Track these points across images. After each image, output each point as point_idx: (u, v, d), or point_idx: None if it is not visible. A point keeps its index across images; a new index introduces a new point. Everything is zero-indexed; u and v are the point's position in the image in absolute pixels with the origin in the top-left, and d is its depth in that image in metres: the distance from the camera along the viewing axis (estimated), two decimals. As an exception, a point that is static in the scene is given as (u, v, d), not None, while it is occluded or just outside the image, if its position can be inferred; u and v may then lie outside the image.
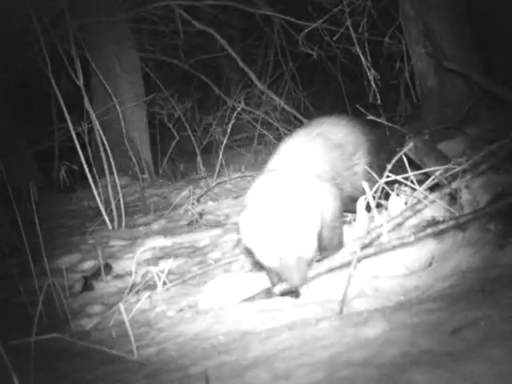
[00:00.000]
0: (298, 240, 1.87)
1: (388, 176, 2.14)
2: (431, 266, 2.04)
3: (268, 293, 2.08)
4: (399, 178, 2.19)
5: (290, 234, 1.86)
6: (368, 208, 2.38)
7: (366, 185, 2.24)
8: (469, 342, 1.23)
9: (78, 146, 4.06)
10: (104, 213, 4.01)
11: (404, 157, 2.29)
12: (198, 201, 4.46)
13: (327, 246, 2.22)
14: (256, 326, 1.79)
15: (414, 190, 2.22)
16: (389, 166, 2.15)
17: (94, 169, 4.23)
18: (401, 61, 4.91)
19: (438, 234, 2.05)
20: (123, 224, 4.05)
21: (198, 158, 5.76)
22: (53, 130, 6.75)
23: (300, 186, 2.05)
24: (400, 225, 2.20)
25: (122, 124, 4.87)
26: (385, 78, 5.08)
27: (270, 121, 6.53)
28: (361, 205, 2.43)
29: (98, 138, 4.12)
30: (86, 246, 3.60)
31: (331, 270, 1.95)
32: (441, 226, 1.84)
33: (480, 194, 2.17)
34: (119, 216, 4.07)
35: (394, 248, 1.89)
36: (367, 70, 4.68)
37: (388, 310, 1.63)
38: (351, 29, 4.65)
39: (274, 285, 2.09)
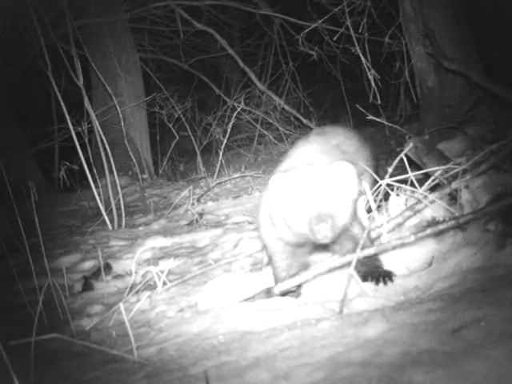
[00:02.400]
0: (333, 201, 1.82)
1: (390, 179, 2.14)
2: (431, 266, 2.04)
3: (268, 293, 2.08)
4: (399, 178, 2.19)
5: (326, 195, 1.81)
6: (368, 208, 2.38)
7: (366, 185, 2.24)
8: (469, 341, 1.22)
9: (78, 146, 4.06)
10: (104, 213, 4.01)
11: (404, 157, 2.29)
12: (198, 201, 4.46)
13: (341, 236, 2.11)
14: (256, 326, 1.79)
15: (414, 189, 2.22)
16: (390, 169, 2.15)
17: (93, 169, 4.23)
18: (401, 61, 4.91)
19: (437, 234, 2.05)
20: (123, 224, 4.06)
21: (198, 158, 5.77)
22: (53, 130, 6.76)
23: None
24: (400, 225, 2.20)
25: (122, 124, 4.88)
26: (385, 78, 5.09)
27: (270, 121, 6.54)
28: (361, 205, 2.44)
29: (98, 138, 4.12)
30: (86, 246, 3.60)
31: (331, 270, 1.95)
32: (441, 226, 1.84)
33: (480, 193, 2.17)
34: (119, 216, 4.07)
35: (394, 248, 1.89)
36: (367, 70, 4.68)
37: (388, 309, 1.63)
38: (351, 29, 4.65)
39: (276, 283, 2.09)
